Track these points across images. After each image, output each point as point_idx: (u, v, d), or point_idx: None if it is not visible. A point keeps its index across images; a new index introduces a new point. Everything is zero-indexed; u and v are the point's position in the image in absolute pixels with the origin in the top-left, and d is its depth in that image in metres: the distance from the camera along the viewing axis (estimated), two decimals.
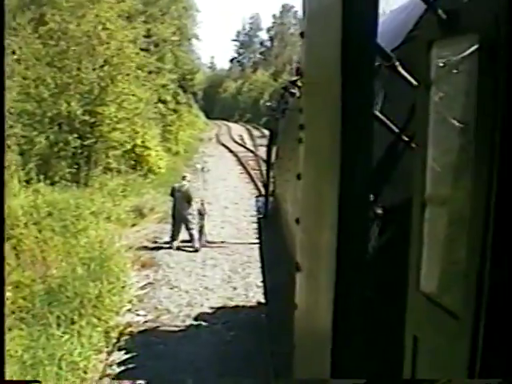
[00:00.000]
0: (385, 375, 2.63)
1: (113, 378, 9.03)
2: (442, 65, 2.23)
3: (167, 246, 16.43)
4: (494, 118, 1.82)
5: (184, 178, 17.29)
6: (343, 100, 2.00)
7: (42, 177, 18.18)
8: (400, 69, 2.98)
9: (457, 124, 2.12)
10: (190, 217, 16.24)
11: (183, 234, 16.51)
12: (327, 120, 2.21)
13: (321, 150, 2.31)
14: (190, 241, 16.35)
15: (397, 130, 3.18)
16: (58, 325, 9.54)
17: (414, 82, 2.77)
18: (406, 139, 3.11)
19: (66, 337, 9.34)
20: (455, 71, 2.15)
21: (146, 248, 16.36)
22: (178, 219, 16.26)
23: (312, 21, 2.55)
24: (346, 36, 1.98)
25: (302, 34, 2.57)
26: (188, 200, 16.29)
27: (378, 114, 3.15)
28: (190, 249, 16.17)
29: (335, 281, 2.03)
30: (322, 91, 2.33)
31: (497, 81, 1.81)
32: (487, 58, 1.87)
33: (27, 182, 17.41)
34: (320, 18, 2.39)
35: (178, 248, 16.21)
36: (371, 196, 3.07)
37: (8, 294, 10.01)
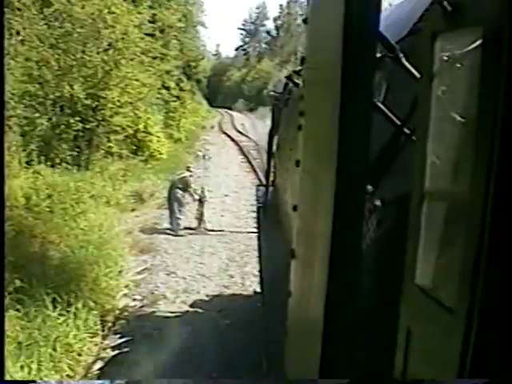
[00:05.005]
0: (375, 368, 2.64)
1: (106, 362, 9.06)
2: (445, 58, 2.22)
3: (166, 231, 16.51)
4: (495, 114, 1.81)
5: (188, 168, 17.60)
6: (343, 88, 1.99)
7: (42, 159, 18.16)
8: (403, 61, 2.97)
9: (458, 118, 2.11)
10: (175, 202, 16.41)
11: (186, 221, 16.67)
12: (327, 107, 2.21)
13: (319, 136, 2.31)
14: (171, 224, 16.57)
15: (398, 122, 3.17)
16: (55, 306, 9.54)
17: (417, 75, 2.75)
18: (408, 132, 3.10)
19: (62, 319, 9.35)
20: (458, 65, 2.14)
21: (144, 233, 16.40)
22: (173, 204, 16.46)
23: (315, 7, 2.54)
24: (348, 24, 1.97)
25: (305, 21, 2.56)
26: (185, 187, 16.44)
27: (380, 105, 3.13)
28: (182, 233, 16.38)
29: (328, 269, 2.04)
30: (323, 78, 2.32)
31: (499, 76, 1.80)
32: (491, 52, 1.86)
33: (28, 163, 17.39)
34: (323, 5, 2.38)
35: (177, 235, 16.28)
36: (370, 188, 3.07)
37: (5, 275, 10.01)
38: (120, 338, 9.93)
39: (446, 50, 2.19)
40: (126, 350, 9.47)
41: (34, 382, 7.37)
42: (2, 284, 2.69)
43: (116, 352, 9.41)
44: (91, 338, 9.57)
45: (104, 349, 9.49)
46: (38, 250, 11.99)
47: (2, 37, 2.48)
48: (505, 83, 1.79)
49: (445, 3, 2.12)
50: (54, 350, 8.64)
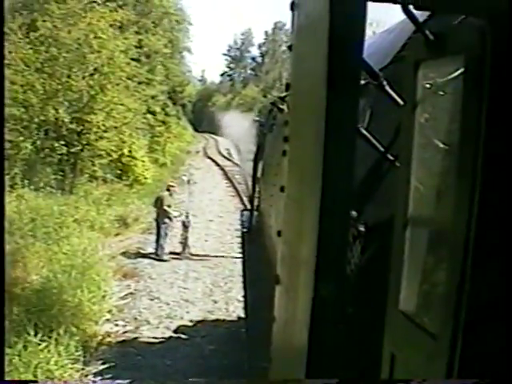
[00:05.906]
0: None
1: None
2: (428, 86, 2.24)
3: (150, 256, 16.40)
4: (477, 140, 1.83)
5: (168, 188, 17.34)
6: (327, 114, 2.01)
7: (26, 182, 18.10)
8: (387, 88, 2.99)
9: (441, 145, 2.13)
10: (163, 225, 16.24)
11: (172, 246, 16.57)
12: (311, 133, 2.22)
13: (304, 162, 2.32)
14: (156, 248, 16.39)
15: (382, 149, 3.19)
16: (36, 332, 9.42)
17: (401, 102, 2.78)
18: (391, 158, 3.12)
19: (43, 345, 9.23)
20: (441, 92, 2.17)
21: (128, 258, 16.29)
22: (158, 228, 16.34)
23: (300, 34, 2.57)
24: (332, 51, 1.99)
25: (290, 47, 2.58)
26: (159, 206, 16.29)
27: (363, 131, 3.15)
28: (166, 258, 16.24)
29: (313, 295, 2.03)
30: (308, 104, 2.34)
31: (481, 103, 1.83)
32: (472, 80, 1.88)
33: (11, 186, 17.29)
34: (308, 32, 2.40)
35: (161, 260, 16.18)
36: (354, 213, 3.08)
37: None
38: (102, 364, 9.81)
39: (429, 77, 2.22)
40: (107, 376, 9.35)
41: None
42: (3, 284, 2.65)
43: (98, 379, 9.29)
44: (73, 364, 9.43)
45: (86, 375, 9.36)
46: (20, 275, 11.87)
47: (2, 37, 2.47)
48: (486, 110, 1.81)
49: (427, 32, 2.15)
50: (35, 376, 8.51)
